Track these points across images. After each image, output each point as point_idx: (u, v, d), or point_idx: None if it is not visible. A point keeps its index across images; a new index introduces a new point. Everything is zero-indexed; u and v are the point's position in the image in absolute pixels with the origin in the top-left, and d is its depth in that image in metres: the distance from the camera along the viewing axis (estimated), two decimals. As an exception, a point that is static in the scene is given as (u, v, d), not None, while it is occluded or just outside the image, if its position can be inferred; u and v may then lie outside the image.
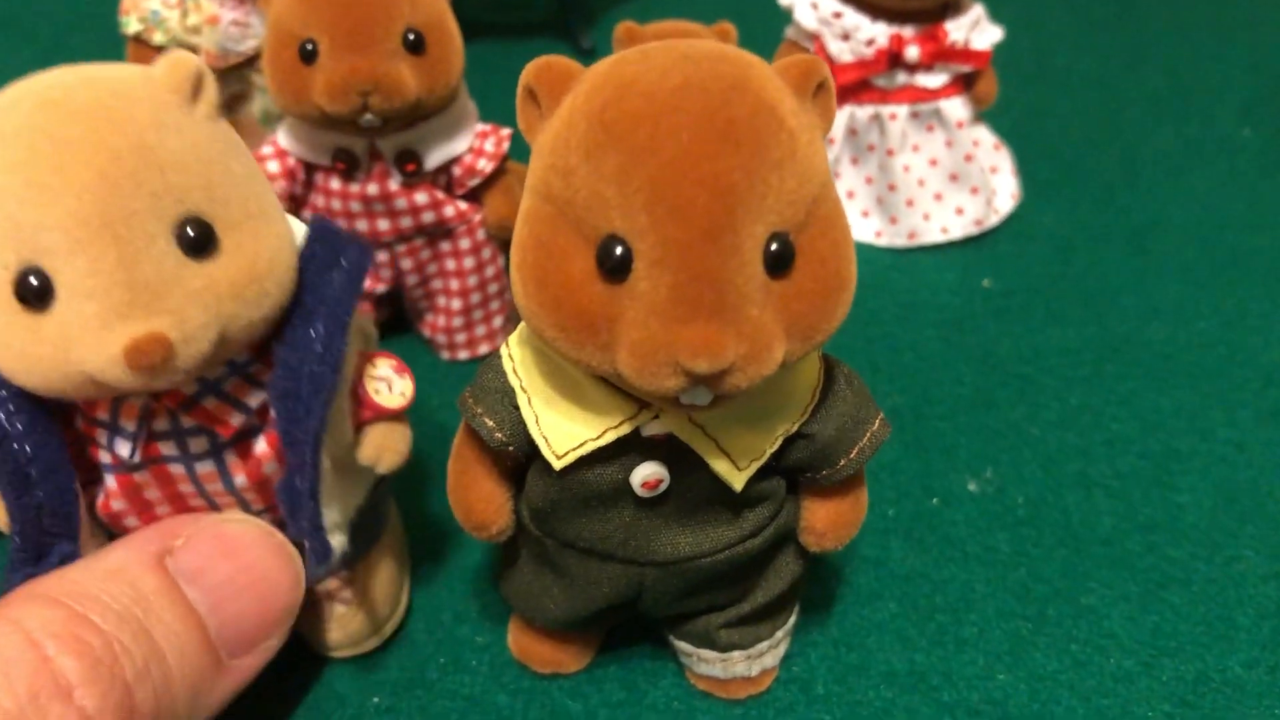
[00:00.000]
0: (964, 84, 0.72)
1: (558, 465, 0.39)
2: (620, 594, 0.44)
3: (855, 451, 0.41)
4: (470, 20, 0.96)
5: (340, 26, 0.52)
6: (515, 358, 0.41)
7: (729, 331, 0.32)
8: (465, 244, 0.60)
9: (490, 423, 0.41)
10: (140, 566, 0.39)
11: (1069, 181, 0.80)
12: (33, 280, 0.35)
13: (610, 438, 0.39)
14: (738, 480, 0.39)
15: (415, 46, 0.53)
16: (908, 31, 0.68)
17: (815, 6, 0.70)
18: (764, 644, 0.47)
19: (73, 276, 0.34)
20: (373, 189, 0.57)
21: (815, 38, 0.70)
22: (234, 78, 0.67)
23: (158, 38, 0.65)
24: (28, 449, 0.38)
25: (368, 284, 0.61)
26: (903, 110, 0.71)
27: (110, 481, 0.41)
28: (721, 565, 0.43)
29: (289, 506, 0.41)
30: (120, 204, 0.34)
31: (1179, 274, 0.73)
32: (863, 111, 0.71)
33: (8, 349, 0.36)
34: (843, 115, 0.71)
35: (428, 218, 0.59)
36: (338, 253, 0.41)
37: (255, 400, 0.40)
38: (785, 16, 0.72)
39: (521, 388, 0.40)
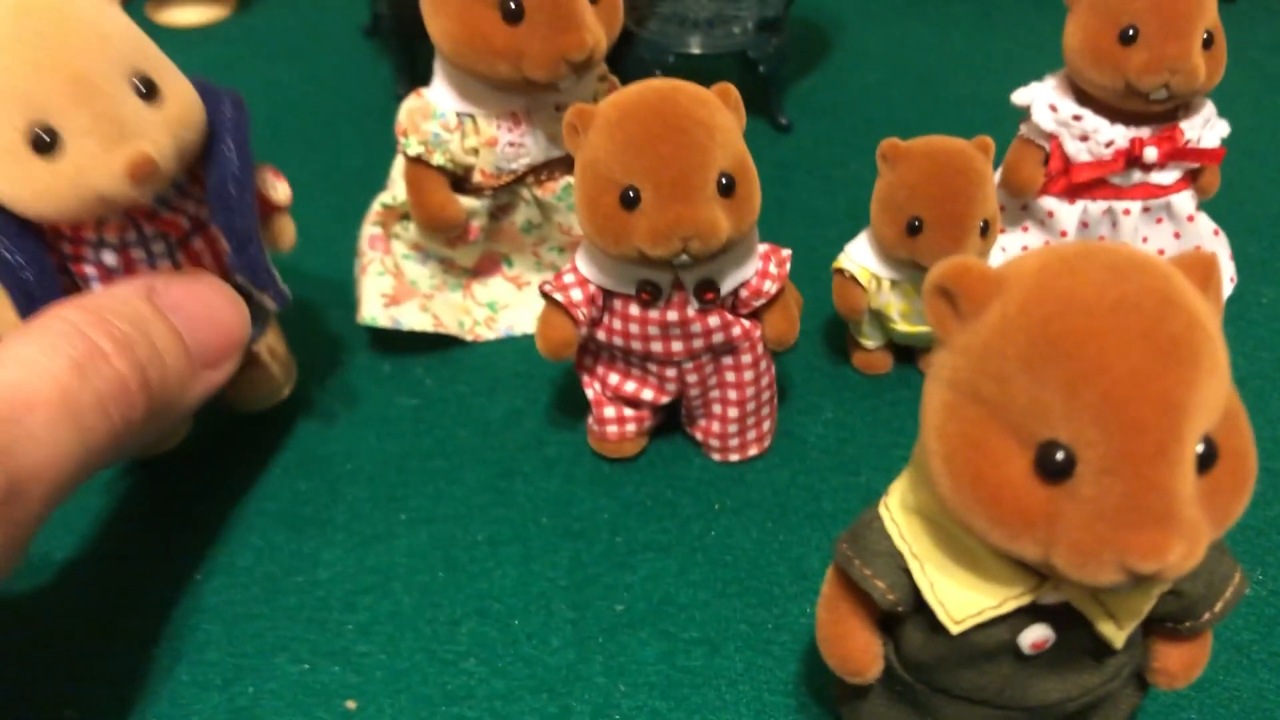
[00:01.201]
0: (1191, 177, 0.74)
1: (955, 630, 0.43)
2: None
3: (1220, 605, 0.45)
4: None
5: (664, 176, 0.55)
6: (900, 523, 0.45)
7: (1174, 534, 0.35)
8: (746, 359, 0.64)
9: (882, 584, 0.44)
10: (136, 296, 0.53)
11: (1278, 257, 0.83)
12: (44, 135, 0.49)
13: (1010, 607, 0.42)
14: (1119, 639, 0.43)
15: (727, 190, 0.57)
16: (1145, 133, 0.71)
17: (1054, 109, 0.72)
18: None
19: (76, 124, 0.49)
20: (672, 315, 0.61)
21: (1053, 137, 0.72)
22: (505, 192, 0.71)
23: (437, 158, 0.68)
24: (29, 275, 0.52)
25: (653, 396, 0.65)
26: (1135, 206, 0.73)
27: (97, 287, 0.56)
28: (1082, 705, 0.46)
29: (251, 273, 0.59)
30: (97, 69, 0.50)
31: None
32: (1096, 206, 0.74)
33: (29, 188, 0.50)
34: (1076, 210, 0.74)
35: (718, 339, 0.62)
36: (220, 92, 0.57)
37: (192, 208, 0.58)
38: (1020, 112, 0.75)
39: (912, 554, 0.44)
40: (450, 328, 0.74)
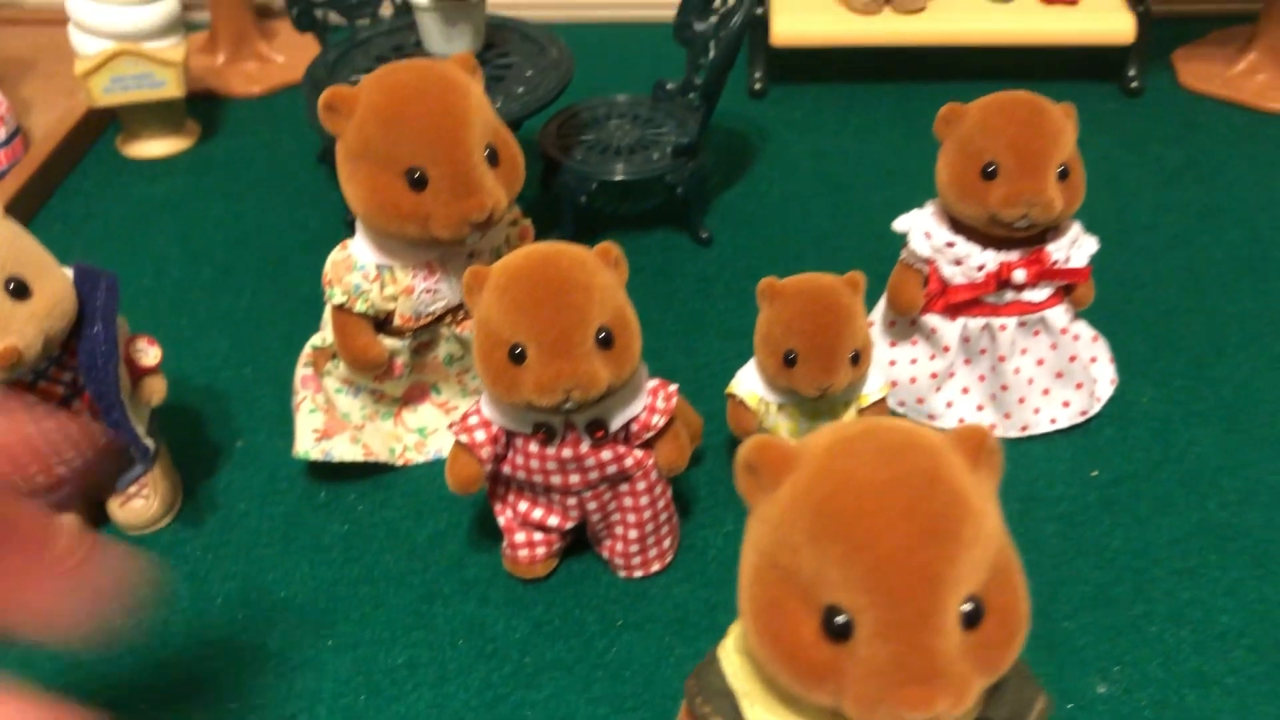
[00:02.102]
0: (1065, 291, 0.80)
1: None
2: None
3: None
4: (597, 212, 1.06)
5: (545, 335, 0.61)
6: (735, 664, 0.50)
7: (938, 689, 0.41)
8: (641, 485, 0.70)
9: None
10: None
11: (1161, 355, 0.88)
12: None
13: None
14: None
15: (606, 344, 0.63)
16: (1014, 256, 0.77)
17: (929, 235, 0.78)
18: None
19: None
20: (567, 453, 0.67)
21: (930, 262, 0.78)
22: (425, 330, 0.77)
23: (359, 306, 0.74)
24: None
25: (559, 522, 0.71)
26: (1011, 321, 0.79)
27: None
28: None
29: (117, 430, 0.71)
30: None
31: (1271, 449, 0.80)
32: (975, 323, 0.79)
33: None
34: (957, 326, 0.80)
35: (612, 470, 0.68)
36: (98, 276, 0.71)
37: (67, 377, 0.71)
38: (901, 239, 0.81)
39: (744, 693, 0.49)
40: (381, 455, 0.80)
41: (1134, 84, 1.21)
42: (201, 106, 1.24)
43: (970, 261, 0.77)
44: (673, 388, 0.69)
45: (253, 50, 1.30)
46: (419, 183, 0.69)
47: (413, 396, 0.83)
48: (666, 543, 0.73)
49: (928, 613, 0.41)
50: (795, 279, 0.72)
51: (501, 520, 0.72)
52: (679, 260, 1.01)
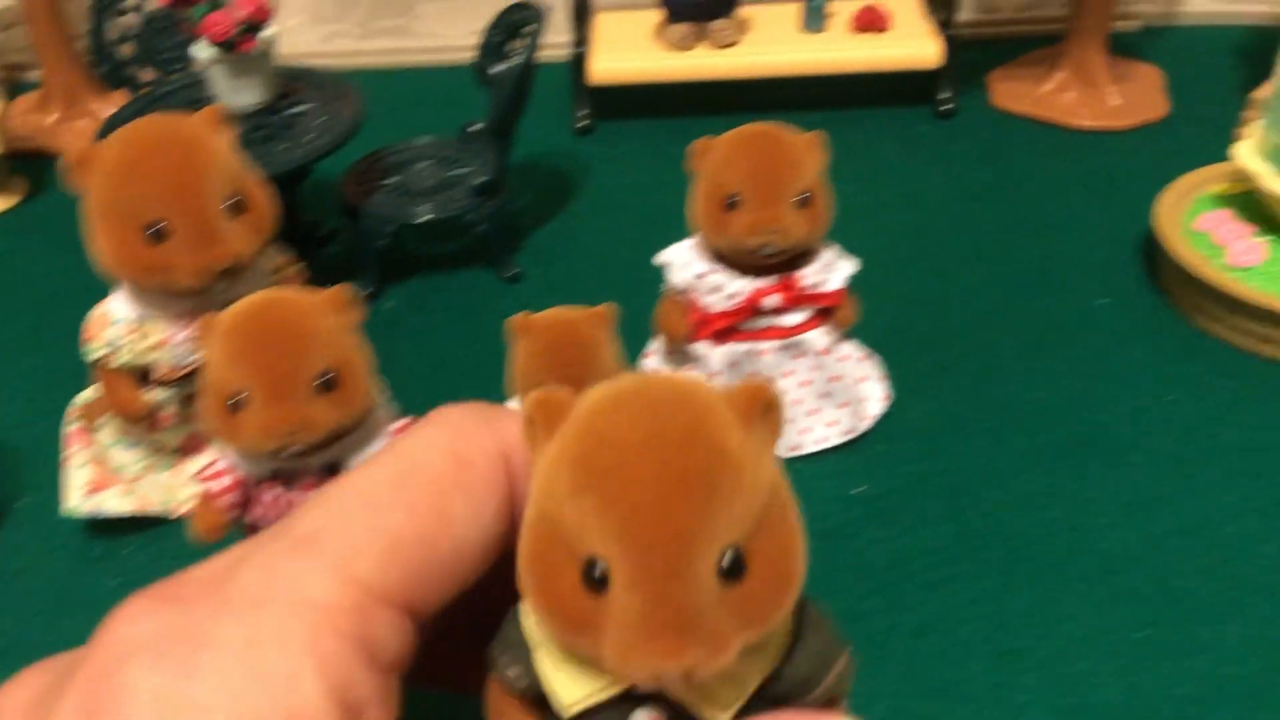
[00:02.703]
0: (826, 314, 0.82)
1: (566, 715, 0.50)
2: None
3: (823, 686, 0.52)
4: (409, 252, 1.07)
5: (264, 380, 0.62)
6: (530, 616, 0.52)
7: (689, 642, 0.43)
8: (393, 524, 0.71)
9: (512, 673, 0.52)
10: None
11: (938, 373, 0.90)
12: None
13: (612, 691, 0.49)
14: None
15: (329, 388, 0.64)
16: (765, 283, 0.79)
17: (686, 266, 0.80)
18: None
19: None
20: (304, 497, 0.68)
21: (689, 292, 0.80)
22: (191, 381, 0.78)
23: (118, 360, 0.75)
24: None
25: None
26: (772, 345, 0.81)
27: None
28: None
29: None
30: None
31: (1032, 460, 0.82)
32: (738, 348, 0.81)
33: None
34: (722, 351, 0.82)
35: (357, 511, 0.69)
36: None
37: None
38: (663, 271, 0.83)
39: (537, 644, 0.51)
40: (155, 508, 0.81)
41: (945, 106, 1.24)
42: (33, 165, 1.25)
43: (725, 290, 0.79)
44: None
45: (85, 108, 1.31)
46: (159, 235, 0.70)
47: (192, 446, 0.83)
48: (429, 580, 0.74)
49: (677, 564, 0.43)
50: (545, 314, 0.74)
51: (260, 566, 0.73)
52: (486, 299, 1.03)
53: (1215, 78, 1.30)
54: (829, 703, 0.54)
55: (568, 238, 1.10)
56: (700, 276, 0.80)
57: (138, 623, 0.25)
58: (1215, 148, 1.15)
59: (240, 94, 0.96)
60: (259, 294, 0.66)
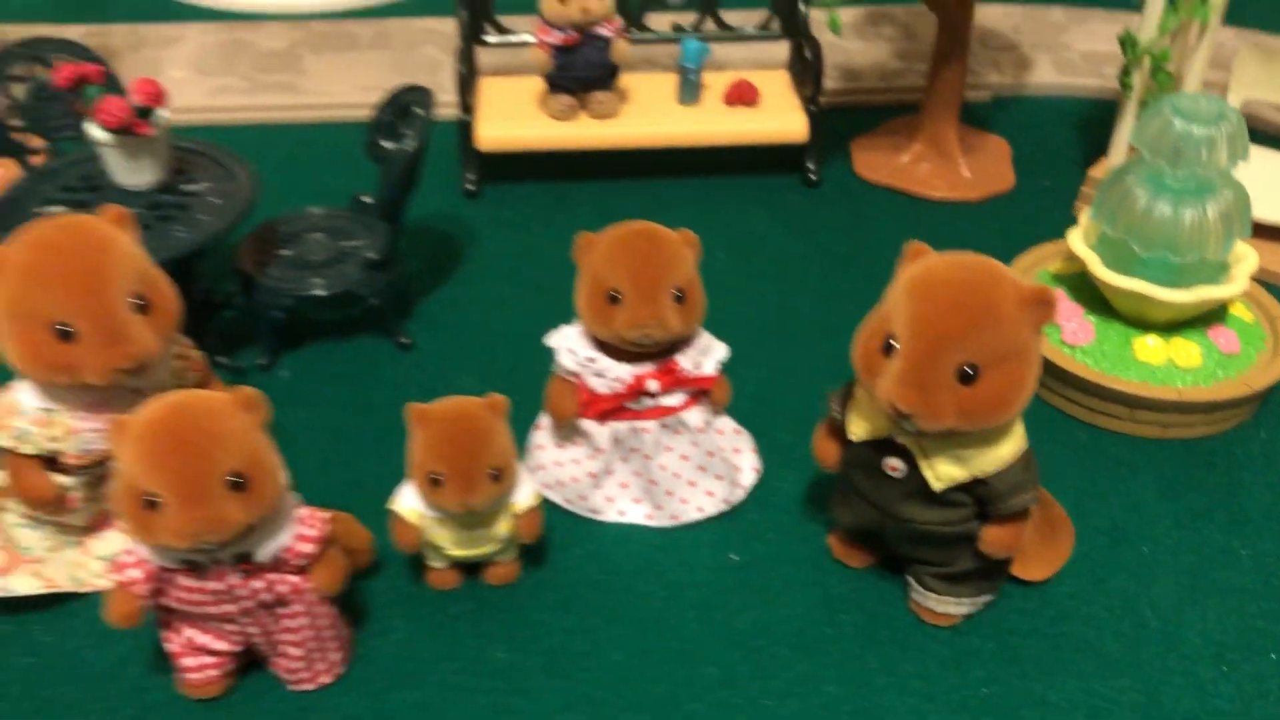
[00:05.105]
0: (702, 394, 0.89)
1: (852, 438, 0.76)
2: (875, 525, 0.80)
3: (1007, 505, 0.74)
4: (308, 321, 1.11)
5: (174, 483, 0.66)
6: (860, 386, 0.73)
7: (920, 398, 0.68)
8: (299, 608, 0.75)
9: (836, 406, 0.81)
10: None
11: (803, 443, 0.96)
12: None
13: (880, 433, 0.75)
14: (936, 485, 0.73)
15: (239, 487, 0.68)
16: (646, 368, 0.85)
17: (573, 352, 0.86)
18: (949, 598, 0.81)
19: None
20: (217, 585, 0.72)
21: (577, 375, 0.87)
22: (98, 466, 0.81)
23: (27, 448, 0.78)
24: None
25: (227, 646, 0.76)
26: (653, 424, 0.87)
27: None
28: (926, 534, 0.76)
29: None
30: None
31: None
32: (622, 426, 0.88)
33: None
34: (607, 429, 0.88)
35: (265, 597, 0.73)
36: None
37: None
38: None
39: (852, 394, 0.79)
40: (64, 585, 0.83)
41: (812, 176, 1.33)
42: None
43: (610, 374, 0.85)
44: (325, 515, 0.75)
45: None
46: (66, 336, 0.73)
47: (99, 524, 0.86)
48: (335, 655, 0.79)
49: (934, 352, 0.69)
50: (441, 404, 0.79)
51: (171, 647, 0.76)
52: (378, 367, 1.07)
53: (1058, 149, 1.41)
54: (1014, 517, 0.76)
55: (458, 305, 1.15)
56: (586, 362, 0.86)
57: None
58: (1057, 218, 1.26)
59: (135, 174, 0.98)
60: (170, 396, 0.70)
